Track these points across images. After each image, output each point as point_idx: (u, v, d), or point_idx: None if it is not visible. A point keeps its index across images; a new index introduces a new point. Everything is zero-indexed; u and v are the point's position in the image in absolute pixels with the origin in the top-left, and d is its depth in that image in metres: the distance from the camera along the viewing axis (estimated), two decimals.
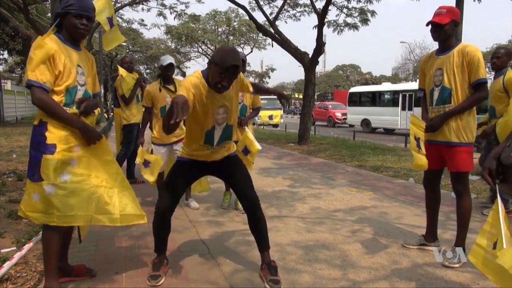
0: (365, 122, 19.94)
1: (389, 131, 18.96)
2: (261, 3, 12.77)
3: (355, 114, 20.83)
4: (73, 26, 2.26)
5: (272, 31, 12.08)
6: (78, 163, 2.26)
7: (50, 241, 2.26)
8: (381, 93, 20.05)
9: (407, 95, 17.79)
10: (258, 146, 3.84)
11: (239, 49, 29.52)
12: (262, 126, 20.92)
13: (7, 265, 2.38)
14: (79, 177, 2.24)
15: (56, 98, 2.20)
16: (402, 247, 3.21)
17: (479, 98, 2.80)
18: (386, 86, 21.05)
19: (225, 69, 2.27)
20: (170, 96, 4.18)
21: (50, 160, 2.16)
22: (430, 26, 2.87)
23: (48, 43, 2.17)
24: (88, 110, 2.36)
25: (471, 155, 2.90)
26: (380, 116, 18.88)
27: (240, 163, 2.78)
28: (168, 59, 4.25)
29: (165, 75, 4.22)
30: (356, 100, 21.26)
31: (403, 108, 17.76)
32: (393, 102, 18.66)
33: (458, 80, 2.80)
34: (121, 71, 5.46)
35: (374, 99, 20.22)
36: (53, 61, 2.17)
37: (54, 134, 2.19)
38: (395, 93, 18.83)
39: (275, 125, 21.87)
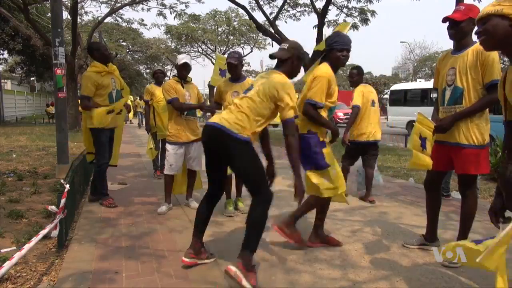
0: (412, 125, 17.19)
1: None
2: (261, 3, 12.78)
3: (399, 115, 17.17)
4: (337, 58, 2.99)
5: (272, 31, 12.09)
6: None
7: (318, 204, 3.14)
8: (433, 91, 17.31)
9: None
10: None
11: (239, 49, 29.60)
12: None
13: (7, 265, 2.38)
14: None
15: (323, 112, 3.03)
16: (402, 247, 3.21)
17: (492, 100, 2.65)
18: None
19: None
20: (190, 94, 4.22)
21: (327, 152, 3.02)
22: (442, 24, 2.80)
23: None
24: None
25: (482, 158, 2.78)
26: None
27: None
28: (184, 58, 4.25)
29: (180, 74, 4.26)
30: (400, 99, 17.86)
31: None
32: None
33: (470, 81, 2.71)
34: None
35: (425, 97, 16.65)
36: (329, 86, 2.96)
37: (322, 134, 3.03)
38: None
39: (275, 125, 21.80)
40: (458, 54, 2.82)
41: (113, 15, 18.19)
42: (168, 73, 33.35)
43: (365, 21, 12.97)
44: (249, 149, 2.55)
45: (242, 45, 29.92)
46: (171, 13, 16.02)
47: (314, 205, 3.20)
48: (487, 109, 2.78)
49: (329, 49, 2.99)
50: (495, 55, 2.65)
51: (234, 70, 4.03)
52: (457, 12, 2.75)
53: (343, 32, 3.17)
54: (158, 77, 5.92)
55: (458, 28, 2.74)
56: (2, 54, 22.15)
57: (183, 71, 4.25)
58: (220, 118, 2.59)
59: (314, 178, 3.02)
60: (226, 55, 4.27)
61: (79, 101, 13.05)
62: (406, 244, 3.23)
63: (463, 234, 2.90)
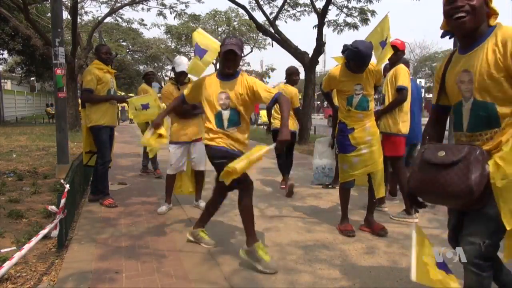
0: None
1: None
2: (261, 2, 12.75)
3: None
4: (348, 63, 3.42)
5: (272, 31, 12.08)
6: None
7: (345, 193, 3.61)
8: None
9: None
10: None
11: None
12: (262, 126, 20.91)
13: (7, 265, 2.38)
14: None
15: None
16: (402, 247, 3.21)
17: (396, 101, 3.88)
18: None
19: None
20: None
21: (355, 138, 3.44)
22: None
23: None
24: None
25: (396, 142, 3.89)
26: None
27: None
28: (182, 67, 4.26)
29: (178, 80, 4.34)
30: None
31: None
32: None
33: (390, 87, 3.99)
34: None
35: None
36: (331, 80, 3.58)
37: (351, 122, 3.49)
38: None
39: None
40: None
41: (113, 15, 18.14)
42: (168, 73, 33.38)
43: (365, 21, 12.94)
44: None
45: None
46: (171, 13, 15.94)
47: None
48: (405, 109, 3.90)
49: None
50: (399, 69, 3.81)
51: (233, 63, 2.88)
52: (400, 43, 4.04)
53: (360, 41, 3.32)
54: (149, 79, 6.29)
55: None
56: (2, 54, 22.11)
57: (181, 77, 4.33)
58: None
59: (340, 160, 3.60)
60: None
61: (79, 100, 13.02)
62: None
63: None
